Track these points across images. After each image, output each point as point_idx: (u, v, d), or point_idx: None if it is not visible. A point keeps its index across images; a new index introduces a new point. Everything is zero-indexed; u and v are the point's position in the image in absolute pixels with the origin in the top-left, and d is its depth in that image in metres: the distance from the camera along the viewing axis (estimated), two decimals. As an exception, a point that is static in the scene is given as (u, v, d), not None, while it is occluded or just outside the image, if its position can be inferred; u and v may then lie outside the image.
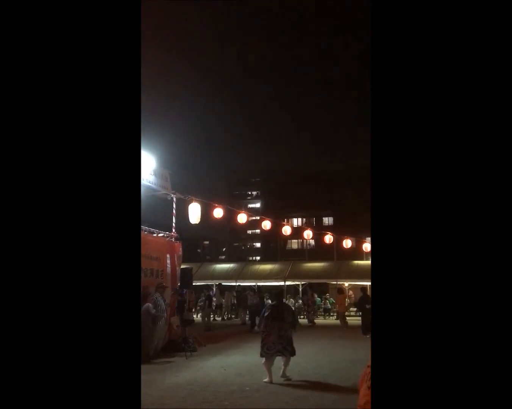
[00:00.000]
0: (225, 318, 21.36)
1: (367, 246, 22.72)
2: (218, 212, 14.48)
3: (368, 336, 13.73)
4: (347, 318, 19.96)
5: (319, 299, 23.18)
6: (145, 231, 11.25)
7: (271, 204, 48.63)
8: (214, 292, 22.85)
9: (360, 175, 43.29)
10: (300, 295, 22.57)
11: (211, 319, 17.81)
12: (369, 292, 17.35)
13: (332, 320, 20.80)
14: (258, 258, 50.89)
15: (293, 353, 7.59)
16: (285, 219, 28.47)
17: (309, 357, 8.51)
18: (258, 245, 56.96)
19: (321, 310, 23.03)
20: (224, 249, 59.73)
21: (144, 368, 6.51)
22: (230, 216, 16.71)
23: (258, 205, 55.70)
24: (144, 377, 4.98)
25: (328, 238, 20.89)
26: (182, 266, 12.75)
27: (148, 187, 10.96)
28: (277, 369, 7.55)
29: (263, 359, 7.53)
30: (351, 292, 23.87)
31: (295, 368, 8.08)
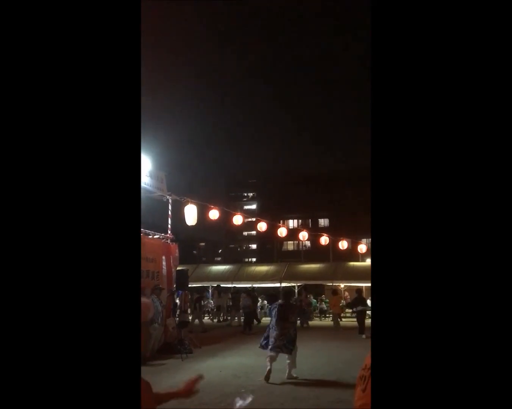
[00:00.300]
0: (221, 320, 21.34)
1: (362, 248, 22.75)
2: (214, 214, 14.46)
3: (363, 336, 13.81)
4: (344, 319, 20.02)
5: (314, 300, 23.19)
6: (141, 233, 11.23)
7: (267, 206, 48.65)
8: (210, 294, 22.83)
9: (357, 176, 43.38)
10: (295, 297, 22.56)
11: (203, 320, 17.72)
12: (364, 293, 17.40)
13: (328, 321, 20.80)
14: (254, 259, 50.88)
15: (290, 351, 7.74)
16: (281, 221, 28.48)
17: (305, 359, 8.51)
18: (254, 246, 56.98)
19: (317, 311, 23.04)
20: (220, 250, 59.70)
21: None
22: (226, 217, 16.69)
23: (254, 206, 55.73)
24: (140, 379, 4.95)
25: (324, 240, 20.90)
26: (178, 268, 12.74)
27: (144, 189, 10.93)
28: (273, 370, 7.55)
29: (268, 352, 7.76)
30: (347, 293, 23.90)
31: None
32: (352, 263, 23.36)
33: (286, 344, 7.68)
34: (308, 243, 43.05)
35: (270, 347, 7.71)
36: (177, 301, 12.40)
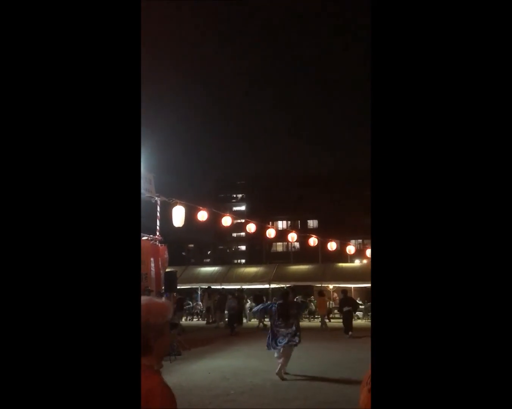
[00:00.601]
0: (210, 321, 21.29)
1: (351, 249, 22.88)
2: (202, 215, 14.40)
3: (348, 336, 14.02)
4: (332, 320, 20.10)
5: (305, 301, 23.22)
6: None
7: (256, 207, 48.63)
8: (200, 296, 22.72)
9: (348, 178, 43.61)
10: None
11: (189, 322, 17.61)
12: (352, 294, 17.49)
13: (317, 322, 20.88)
14: (243, 261, 50.79)
15: (299, 340, 8.45)
16: (270, 222, 28.49)
17: (293, 360, 8.51)
18: (243, 248, 56.89)
19: (306, 312, 23.09)
20: (209, 252, 59.48)
21: (128, 372, 6.41)
22: (215, 219, 16.65)
23: (243, 208, 55.66)
24: (129, 382, 4.91)
25: (313, 241, 20.97)
26: (167, 270, 12.67)
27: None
28: (261, 372, 7.54)
29: (276, 352, 8.30)
30: (335, 294, 24.00)
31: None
32: (341, 264, 23.48)
33: (294, 336, 8.31)
34: (297, 245, 43.12)
35: (284, 343, 8.17)
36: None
